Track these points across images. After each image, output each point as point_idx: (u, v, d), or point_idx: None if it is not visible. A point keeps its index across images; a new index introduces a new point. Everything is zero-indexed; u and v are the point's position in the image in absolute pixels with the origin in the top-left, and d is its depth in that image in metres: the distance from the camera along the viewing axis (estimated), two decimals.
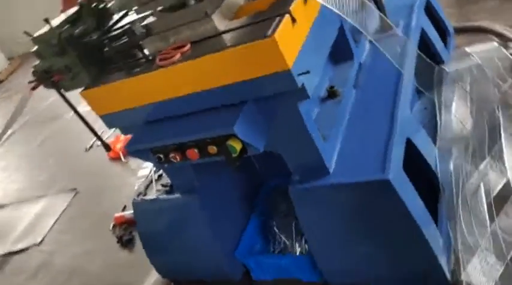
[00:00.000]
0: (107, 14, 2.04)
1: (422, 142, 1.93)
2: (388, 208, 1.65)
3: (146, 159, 1.88)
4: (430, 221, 1.71)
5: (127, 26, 1.85)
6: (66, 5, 2.10)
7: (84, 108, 1.99)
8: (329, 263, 1.94)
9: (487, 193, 1.74)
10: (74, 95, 1.96)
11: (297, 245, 2.13)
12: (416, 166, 1.78)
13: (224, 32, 1.65)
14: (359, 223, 1.75)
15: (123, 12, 2.04)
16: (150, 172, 2.45)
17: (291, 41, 1.53)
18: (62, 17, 1.98)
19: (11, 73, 8.37)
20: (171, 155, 1.71)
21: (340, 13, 1.62)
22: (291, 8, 1.56)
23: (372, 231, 1.74)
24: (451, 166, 1.90)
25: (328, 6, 1.61)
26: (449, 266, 1.70)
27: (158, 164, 1.80)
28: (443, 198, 1.84)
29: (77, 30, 1.89)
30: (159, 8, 1.77)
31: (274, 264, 2.15)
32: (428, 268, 1.70)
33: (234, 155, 1.58)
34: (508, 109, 2.02)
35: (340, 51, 2.14)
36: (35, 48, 1.91)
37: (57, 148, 4.97)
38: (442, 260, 1.67)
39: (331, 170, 1.74)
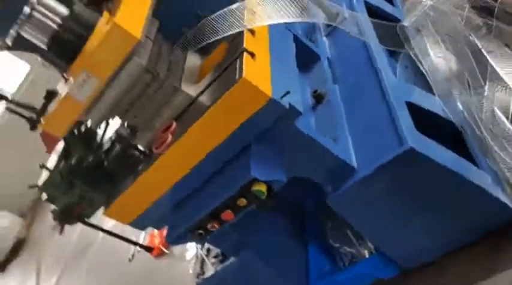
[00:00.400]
0: (91, 132, 2.11)
1: (421, 98, 1.94)
2: (424, 172, 1.65)
3: (189, 240, 1.90)
4: (469, 165, 1.70)
5: (113, 135, 1.92)
6: (50, 146, 2.17)
7: (109, 222, 2.04)
8: (398, 249, 1.91)
9: (505, 114, 1.74)
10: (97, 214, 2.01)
11: (362, 248, 2.11)
12: (427, 123, 1.79)
13: (198, 96, 1.71)
14: (406, 200, 1.74)
15: (104, 123, 2.11)
16: (197, 251, 2.46)
17: (259, 73, 1.58)
18: (53, 157, 2.05)
19: (28, 229, 8.42)
20: (209, 226, 1.74)
21: (288, 20, 1.69)
22: (244, 46, 1.62)
23: (421, 201, 1.73)
24: (460, 105, 1.90)
25: (275, 22, 1.68)
26: (509, 198, 1.68)
27: (201, 240, 1.82)
28: (468, 138, 1.83)
29: (73, 161, 1.96)
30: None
31: (351, 276, 2.12)
32: (490, 208, 1.68)
33: (263, 197, 1.60)
34: (478, 30, 2.05)
35: (305, 57, 2.18)
36: (45, 196, 1.97)
37: (104, 271, 4.97)
38: (499, 195, 1.65)
39: (355, 166, 1.75)
